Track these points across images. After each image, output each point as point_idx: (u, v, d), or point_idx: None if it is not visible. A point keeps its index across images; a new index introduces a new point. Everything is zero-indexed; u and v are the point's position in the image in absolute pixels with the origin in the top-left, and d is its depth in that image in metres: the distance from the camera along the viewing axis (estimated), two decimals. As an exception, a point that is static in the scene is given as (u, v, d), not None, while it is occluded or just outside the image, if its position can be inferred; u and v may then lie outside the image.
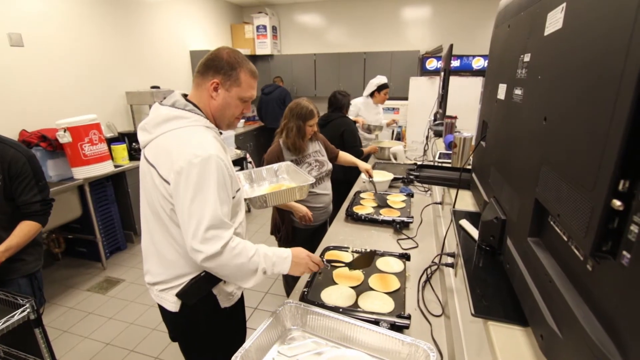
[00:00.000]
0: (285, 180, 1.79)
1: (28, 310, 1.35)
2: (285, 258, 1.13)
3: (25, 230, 1.53)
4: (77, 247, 3.40)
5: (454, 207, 1.26)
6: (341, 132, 2.89)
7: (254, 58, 6.35)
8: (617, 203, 0.39)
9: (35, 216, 1.58)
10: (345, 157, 2.45)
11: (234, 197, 1.14)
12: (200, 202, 0.99)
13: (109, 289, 2.96)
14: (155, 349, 2.26)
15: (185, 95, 1.15)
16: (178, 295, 1.14)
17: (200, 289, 1.16)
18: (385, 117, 4.24)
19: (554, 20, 0.61)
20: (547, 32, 0.64)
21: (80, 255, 3.40)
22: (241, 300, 1.34)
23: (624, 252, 0.38)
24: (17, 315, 1.32)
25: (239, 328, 1.39)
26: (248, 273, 1.07)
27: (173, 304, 1.16)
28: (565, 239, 0.53)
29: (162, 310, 1.22)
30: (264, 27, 6.03)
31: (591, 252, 0.42)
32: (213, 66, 1.10)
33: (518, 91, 0.79)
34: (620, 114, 0.39)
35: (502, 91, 0.94)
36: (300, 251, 1.19)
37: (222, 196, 1.04)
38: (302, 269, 1.18)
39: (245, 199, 1.41)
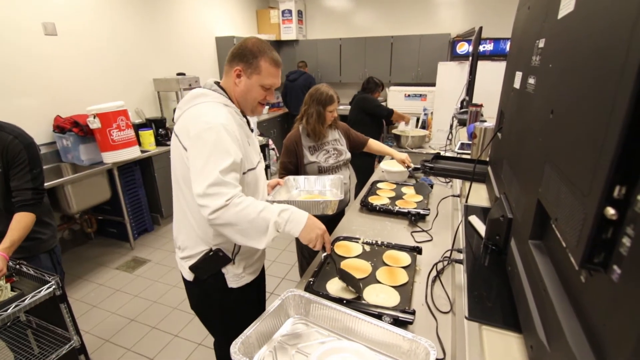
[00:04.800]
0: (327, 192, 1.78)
1: (53, 287, 1.44)
2: (300, 218, 1.12)
3: (22, 223, 1.54)
4: (107, 228, 3.59)
5: (466, 201, 1.21)
6: (361, 106, 3.09)
7: (279, 44, 6.31)
8: (610, 211, 0.35)
9: (27, 206, 1.57)
10: (378, 146, 2.36)
11: (244, 173, 1.20)
12: (204, 162, 1.07)
13: (135, 268, 3.11)
14: (176, 327, 2.36)
15: (217, 83, 1.25)
16: (191, 268, 1.25)
17: (210, 266, 1.25)
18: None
19: (568, 1, 0.55)
20: (560, 14, 0.58)
21: (111, 235, 3.60)
22: (254, 283, 1.38)
23: (615, 267, 0.34)
24: (44, 291, 1.41)
25: (251, 310, 1.42)
26: (259, 230, 1.06)
27: (188, 273, 1.28)
28: (565, 245, 0.49)
29: (183, 277, 1.34)
30: (290, 11, 5.95)
31: (581, 263, 0.38)
32: (238, 54, 1.19)
33: (531, 80, 0.73)
34: (620, 109, 0.34)
35: (517, 80, 0.87)
36: (318, 223, 1.17)
37: (225, 161, 1.07)
38: (310, 239, 1.15)
39: (270, 201, 1.40)
